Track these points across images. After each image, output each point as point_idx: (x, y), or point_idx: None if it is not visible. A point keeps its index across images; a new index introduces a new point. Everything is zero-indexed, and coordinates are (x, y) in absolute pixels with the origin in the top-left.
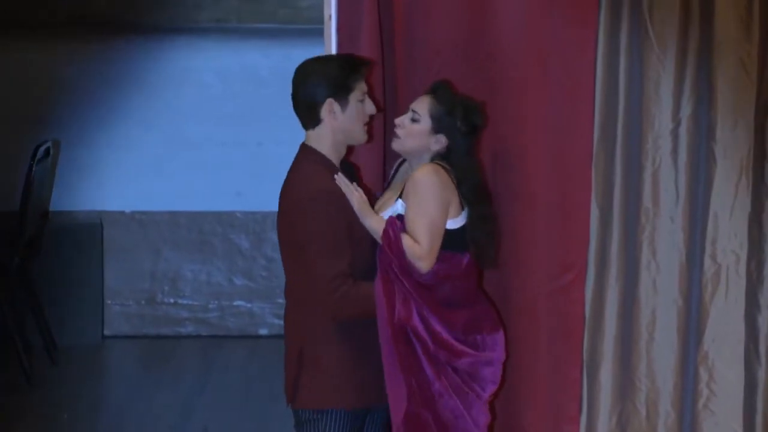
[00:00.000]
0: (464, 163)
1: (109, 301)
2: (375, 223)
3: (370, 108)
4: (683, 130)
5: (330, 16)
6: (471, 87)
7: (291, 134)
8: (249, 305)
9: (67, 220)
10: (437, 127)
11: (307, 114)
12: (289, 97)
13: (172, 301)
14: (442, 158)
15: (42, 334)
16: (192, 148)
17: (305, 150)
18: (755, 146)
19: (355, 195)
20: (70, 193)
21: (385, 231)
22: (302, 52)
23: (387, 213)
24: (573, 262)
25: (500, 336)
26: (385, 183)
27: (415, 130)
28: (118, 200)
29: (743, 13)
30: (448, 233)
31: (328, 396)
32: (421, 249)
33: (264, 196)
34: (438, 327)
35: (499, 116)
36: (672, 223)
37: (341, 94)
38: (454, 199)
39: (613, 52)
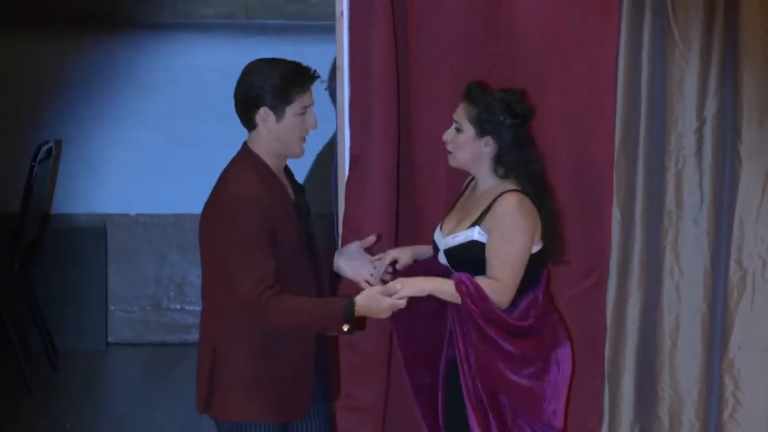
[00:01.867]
0: (519, 157)
1: (113, 307)
2: (439, 284)
3: (310, 122)
4: (708, 130)
5: (342, 12)
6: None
7: None
8: None
9: (69, 223)
10: (481, 130)
11: (243, 116)
12: None
13: (178, 307)
14: (498, 161)
15: (42, 340)
16: (197, 148)
17: (243, 150)
18: None
19: (396, 284)
20: (73, 195)
21: (459, 287)
22: (313, 49)
23: (459, 237)
24: (594, 267)
25: (568, 349)
26: (452, 201)
27: (461, 140)
28: (122, 202)
29: None
30: (532, 257)
31: (242, 407)
32: (501, 285)
33: None
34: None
35: None
36: (696, 226)
37: (278, 104)
38: (538, 226)
39: (636, 49)
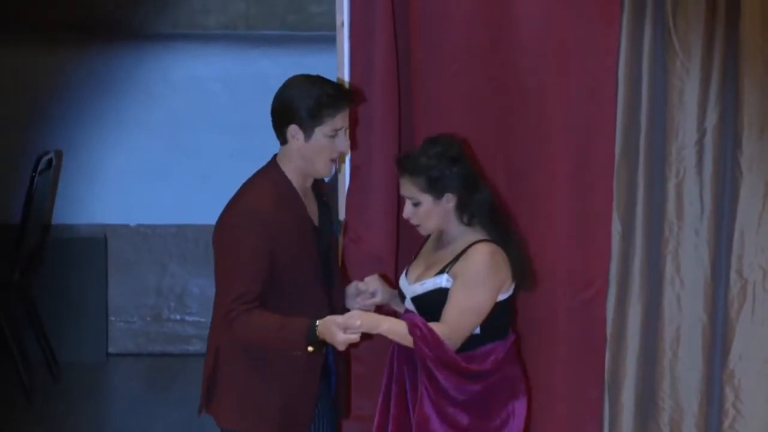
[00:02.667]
0: (478, 197)
1: (113, 318)
2: (392, 325)
3: (341, 145)
4: (708, 141)
5: (342, 23)
6: (489, 93)
7: None
8: None
9: (69, 233)
10: (437, 193)
11: (275, 130)
12: None
13: (178, 317)
14: (461, 209)
15: (43, 351)
16: (198, 158)
17: (269, 163)
18: None
19: (355, 319)
20: (73, 205)
21: (413, 330)
22: (313, 60)
23: (427, 284)
24: (594, 277)
25: (524, 404)
26: (416, 249)
27: (424, 211)
28: (123, 213)
29: None
30: (499, 304)
31: (234, 416)
32: (450, 333)
33: None
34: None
35: (517, 124)
36: (697, 237)
37: (308, 123)
38: (508, 276)
39: (636, 60)
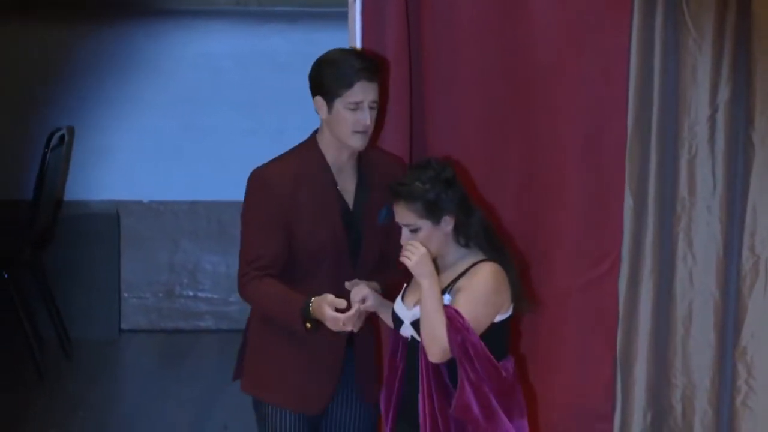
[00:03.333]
0: (473, 218)
1: (125, 294)
2: (434, 290)
3: (363, 119)
4: (720, 117)
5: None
6: (499, 70)
7: (313, 122)
8: None
9: (81, 210)
10: (434, 217)
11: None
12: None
13: (191, 294)
14: (458, 231)
15: (55, 327)
16: (210, 135)
17: (309, 137)
18: None
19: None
20: (86, 182)
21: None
22: (324, 36)
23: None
24: (606, 253)
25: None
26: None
27: (423, 236)
28: (135, 189)
29: None
30: (497, 325)
31: (256, 383)
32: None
33: None
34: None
35: (530, 102)
36: (709, 213)
37: (328, 95)
38: (507, 297)
39: (648, 37)
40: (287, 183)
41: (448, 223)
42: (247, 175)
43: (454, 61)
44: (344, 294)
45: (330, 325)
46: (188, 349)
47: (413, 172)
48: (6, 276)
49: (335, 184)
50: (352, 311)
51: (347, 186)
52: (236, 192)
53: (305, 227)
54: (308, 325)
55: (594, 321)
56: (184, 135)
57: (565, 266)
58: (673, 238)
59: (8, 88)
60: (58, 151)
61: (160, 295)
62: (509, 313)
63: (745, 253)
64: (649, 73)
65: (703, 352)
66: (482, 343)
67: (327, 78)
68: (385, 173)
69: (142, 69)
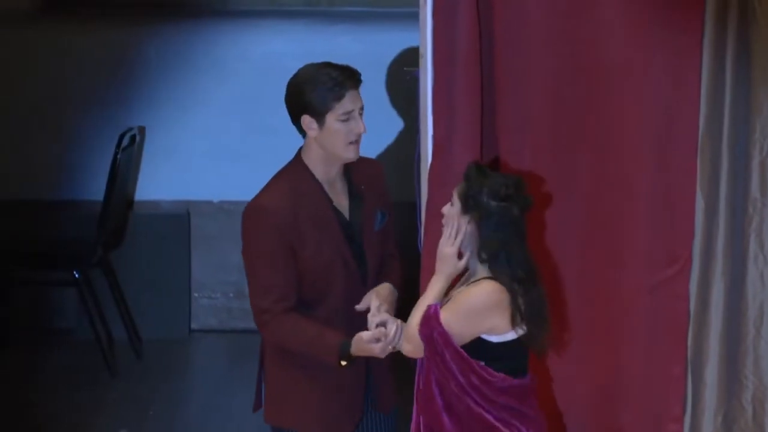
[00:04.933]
0: (501, 240)
1: (196, 294)
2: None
3: (357, 127)
4: None
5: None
6: (571, 70)
7: (382, 122)
8: None
9: (152, 210)
10: (466, 207)
11: (293, 122)
12: (381, 83)
13: None
14: (481, 245)
15: (126, 327)
16: (277, 135)
17: (294, 158)
18: None
19: (389, 327)
20: (156, 182)
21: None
22: (395, 37)
23: None
24: (677, 255)
25: None
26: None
27: (447, 212)
28: (205, 189)
29: None
30: (494, 345)
31: (278, 413)
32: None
33: None
34: None
35: (601, 102)
36: None
37: (317, 111)
38: (501, 321)
39: (720, 36)
40: (285, 209)
41: (468, 222)
42: None
43: (525, 61)
44: (352, 299)
45: (382, 355)
46: (257, 349)
47: (500, 173)
48: (77, 276)
49: (330, 200)
50: (390, 335)
51: (340, 200)
52: None
53: (310, 248)
54: (343, 363)
55: (665, 323)
56: (252, 135)
57: (636, 268)
58: (744, 239)
59: (79, 89)
60: (129, 152)
61: (231, 295)
62: (509, 337)
63: None
64: (721, 73)
65: None
66: (452, 340)
67: (312, 95)
68: (369, 178)
69: (211, 69)
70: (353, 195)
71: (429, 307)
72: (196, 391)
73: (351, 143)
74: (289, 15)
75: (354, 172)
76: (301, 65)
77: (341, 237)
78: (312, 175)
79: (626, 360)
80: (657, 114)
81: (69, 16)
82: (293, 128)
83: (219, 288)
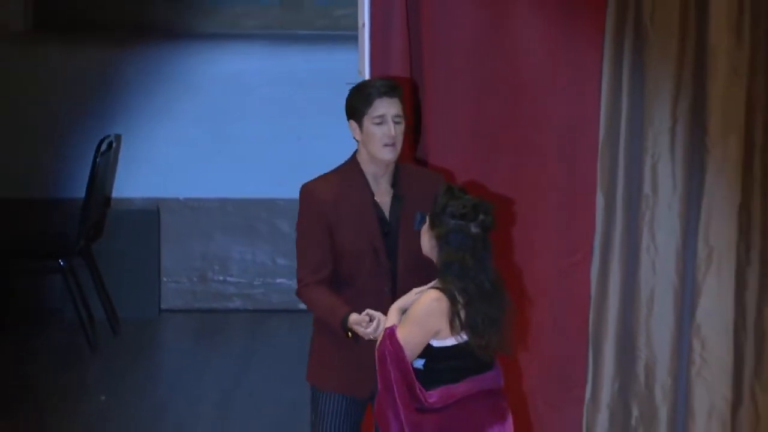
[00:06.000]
0: (449, 252)
1: (165, 279)
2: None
3: (388, 131)
4: (679, 127)
5: (364, 24)
6: (492, 85)
7: (327, 130)
8: (290, 282)
9: (127, 206)
10: (432, 224)
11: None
12: (326, 97)
13: (221, 278)
14: (437, 256)
15: (105, 308)
16: (239, 142)
17: (351, 156)
18: (744, 142)
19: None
20: (130, 182)
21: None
22: (339, 57)
23: None
24: (580, 245)
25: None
26: None
27: (423, 229)
28: (173, 189)
29: (734, 23)
30: (439, 349)
31: (312, 372)
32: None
33: None
34: None
35: (519, 115)
36: (669, 210)
37: (357, 116)
38: (444, 326)
39: (618, 57)
40: (329, 194)
41: (432, 237)
42: (271, 176)
43: (449, 77)
44: (383, 291)
45: (364, 336)
46: (220, 327)
47: (464, 194)
48: (62, 264)
49: (372, 195)
50: (370, 328)
51: (383, 198)
52: (261, 191)
53: (346, 234)
54: (349, 334)
55: (570, 303)
56: (216, 142)
57: (545, 256)
58: (638, 232)
59: (64, 102)
60: (107, 156)
61: (195, 279)
62: (450, 343)
63: (701, 244)
64: (619, 88)
65: (664, 330)
66: (405, 356)
67: (354, 101)
68: (421, 185)
69: (180, 85)
70: (396, 196)
71: (385, 329)
72: (166, 362)
73: (386, 145)
74: (249, 37)
75: (406, 177)
76: (259, 81)
77: (377, 229)
78: (361, 171)
79: (538, 335)
80: (563, 123)
81: (57, 35)
82: (252, 136)
83: (185, 273)
